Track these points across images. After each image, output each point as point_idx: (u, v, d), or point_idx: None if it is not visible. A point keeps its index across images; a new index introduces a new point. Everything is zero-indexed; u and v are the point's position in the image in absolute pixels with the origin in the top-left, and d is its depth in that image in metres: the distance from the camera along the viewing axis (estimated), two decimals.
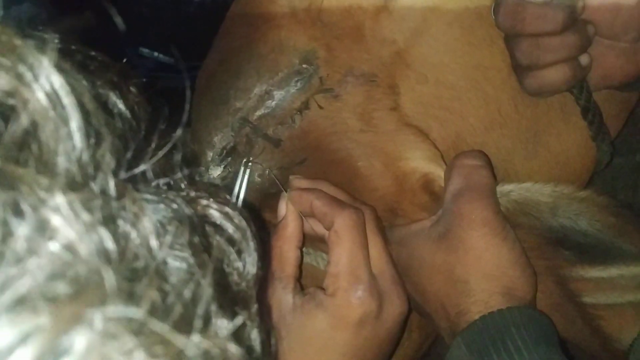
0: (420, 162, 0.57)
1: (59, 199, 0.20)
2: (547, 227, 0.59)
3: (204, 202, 0.30)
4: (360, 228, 0.53)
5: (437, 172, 0.57)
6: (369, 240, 0.54)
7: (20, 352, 0.18)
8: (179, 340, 0.21)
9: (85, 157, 0.22)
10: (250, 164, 0.59)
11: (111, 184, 0.23)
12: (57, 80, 0.21)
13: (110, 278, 0.20)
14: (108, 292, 0.20)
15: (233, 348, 0.23)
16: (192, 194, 0.30)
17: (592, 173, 0.66)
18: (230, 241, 0.30)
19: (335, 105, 0.58)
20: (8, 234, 0.19)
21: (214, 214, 0.30)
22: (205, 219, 0.29)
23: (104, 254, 0.21)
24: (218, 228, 0.30)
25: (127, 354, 0.19)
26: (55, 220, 0.20)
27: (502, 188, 0.58)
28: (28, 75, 0.20)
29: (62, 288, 0.19)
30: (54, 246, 0.20)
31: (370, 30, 0.58)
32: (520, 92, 0.59)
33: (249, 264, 0.31)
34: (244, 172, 0.59)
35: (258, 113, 0.58)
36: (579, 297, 0.57)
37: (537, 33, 0.54)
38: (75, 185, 0.22)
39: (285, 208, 0.55)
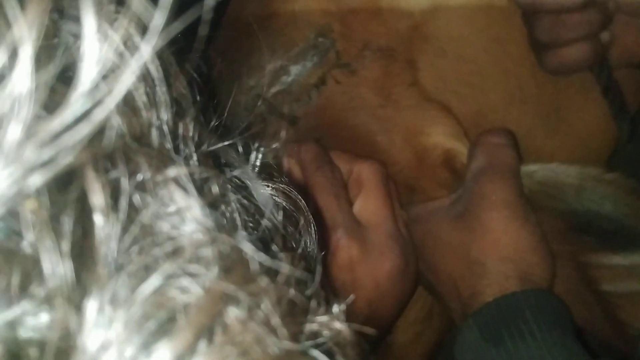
0: (441, 137, 0.56)
1: (179, 170, 0.19)
2: (571, 211, 0.58)
3: (265, 183, 0.29)
4: (331, 181, 0.52)
5: (459, 148, 0.56)
6: (367, 194, 0.53)
7: (174, 333, 0.16)
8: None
9: (172, 128, 0.22)
10: (262, 148, 0.57)
11: (195, 158, 0.22)
12: (146, 51, 0.20)
13: (250, 252, 0.20)
14: (252, 267, 0.19)
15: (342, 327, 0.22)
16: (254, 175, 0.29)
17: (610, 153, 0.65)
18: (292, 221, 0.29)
19: (353, 81, 0.56)
20: (134, 210, 0.18)
21: (276, 195, 0.29)
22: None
23: (233, 229, 0.20)
24: (284, 211, 0.29)
25: (273, 330, 0.19)
26: (178, 195, 0.19)
27: (527, 168, 0.56)
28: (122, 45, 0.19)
29: (206, 266, 0.18)
30: (187, 223, 0.19)
31: (386, 3, 0.57)
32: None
33: (312, 245, 0.30)
34: (257, 156, 0.57)
35: (273, 90, 0.56)
36: (597, 284, 0.56)
37: (558, 9, 0.53)
38: (172, 158, 0.21)
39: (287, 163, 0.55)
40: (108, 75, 0.18)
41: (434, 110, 0.56)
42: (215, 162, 0.26)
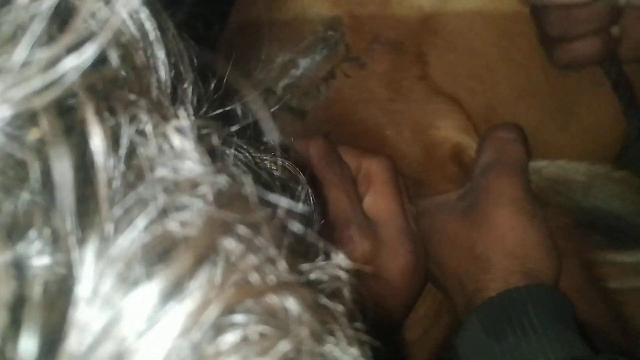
0: (451, 131, 0.55)
1: (182, 121, 0.20)
2: (579, 208, 0.58)
3: (263, 156, 0.29)
4: (341, 177, 0.52)
5: (468, 142, 0.56)
6: (376, 189, 0.53)
7: (172, 261, 0.17)
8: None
9: (170, 90, 0.22)
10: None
11: (192, 121, 0.22)
12: (144, 12, 0.20)
13: (250, 186, 0.20)
14: (250, 201, 0.20)
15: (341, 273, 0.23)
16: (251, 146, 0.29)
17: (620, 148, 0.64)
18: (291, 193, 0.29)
19: (362, 74, 0.56)
20: (133, 152, 0.18)
21: (274, 167, 0.29)
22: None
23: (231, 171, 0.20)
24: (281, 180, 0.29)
25: (271, 261, 0.19)
26: (179, 140, 0.19)
27: (535, 164, 0.56)
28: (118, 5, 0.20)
29: (203, 200, 0.18)
30: (186, 162, 0.19)
31: None
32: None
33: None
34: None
35: (282, 84, 0.56)
36: (603, 281, 0.56)
37: (567, 4, 0.52)
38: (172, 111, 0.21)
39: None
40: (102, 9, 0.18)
41: (444, 104, 0.56)
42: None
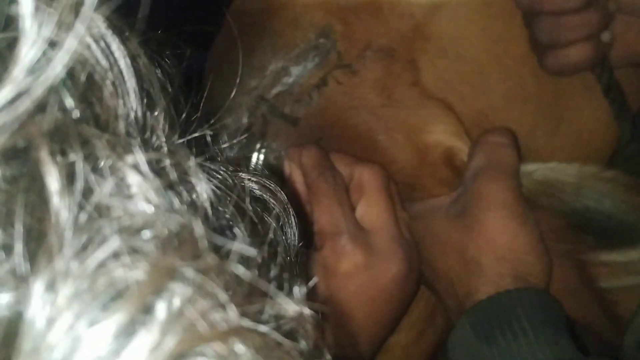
0: (443, 135, 0.56)
1: (137, 157, 0.19)
2: (570, 210, 0.58)
3: (243, 175, 0.30)
4: (334, 187, 0.53)
5: (460, 146, 0.56)
6: (369, 198, 0.53)
7: (118, 306, 0.17)
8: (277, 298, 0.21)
9: (141, 119, 0.22)
10: (264, 149, 0.58)
11: (165, 148, 0.23)
12: (114, 41, 0.21)
13: (200, 231, 0.20)
14: (200, 246, 0.20)
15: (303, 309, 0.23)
16: (230, 167, 0.29)
17: (612, 152, 0.65)
18: (271, 214, 0.29)
19: (354, 81, 0.56)
20: (89, 191, 0.18)
21: (254, 186, 0.30)
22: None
23: (188, 211, 0.21)
24: (259, 201, 0.29)
25: (221, 307, 0.19)
26: (134, 178, 0.19)
27: (526, 167, 0.56)
28: (86, 35, 0.20)
29: (154, 243, 0.18)
30: (139, 203, 0.19)
31: (387, 4, 0.57)
32: None
33: (292, 236, 0.31)
34: (258, 157, 0.58)
35: (274, 91, 0.56)
36: (596, 282, 0.56)
37: (557, 11, 0.53)
38: (132, 145, 0.21)
39: (289, 168, 0.55)
40: (47, 53, 0.18)
41: (436, 109, 0.56)
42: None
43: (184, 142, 0.25)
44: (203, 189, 0.22)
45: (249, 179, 0.29)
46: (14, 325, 0.16)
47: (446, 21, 0.57)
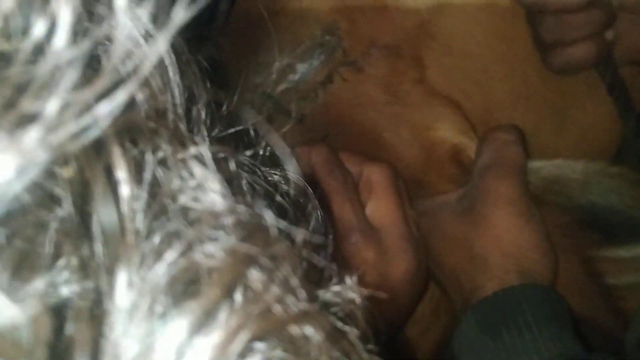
0: (449, 132, 0.56)
1: (201, 149, 0.20)
2: (577, 206, 0.58)
3: (274, 171, 0.30)
4: (344, 185, 0.53)
5: (467, 143, 0.56)
6: (378, 196, 0.53)
7: (201, 291, 0.17)
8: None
9: (184, 114, 0.22)
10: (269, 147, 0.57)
11: (207, 143, 0.23)
12: (162, 39, 0.20)
13: (270, 219, 0.20)
14: (271, 234, 0.20)
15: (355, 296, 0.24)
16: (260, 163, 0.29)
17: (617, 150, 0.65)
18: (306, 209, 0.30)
19: (359, 78, 0.57)
20: (157, 185, 0.19)
21: (283, 181, 0.30)
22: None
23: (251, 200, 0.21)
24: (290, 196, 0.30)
25: (292, 291, 0.19)
26: (198, 169, 0.20)
27: (532, 164, 0.56)
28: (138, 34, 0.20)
29: (229, 232, 0.19)
30: (209, 193, 0.19)
31: (393, 1, 0.57)
32: None
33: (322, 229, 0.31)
34: (264, 154, 0.57)
35: (280, 88, 0.56)
36: (603, 277, 0.57)
37: (561, 9, 0.53)
38: (190, 138, 0.21)
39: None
40: (133, 52, 0.18)
41: (441, 106, 0.56)
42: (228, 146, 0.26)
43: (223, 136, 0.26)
44: (248, 180, 0.23)
45: (278, 174, 0.29)
46: (99, 312, 0.16)
47: (451, 19, 0.57)
